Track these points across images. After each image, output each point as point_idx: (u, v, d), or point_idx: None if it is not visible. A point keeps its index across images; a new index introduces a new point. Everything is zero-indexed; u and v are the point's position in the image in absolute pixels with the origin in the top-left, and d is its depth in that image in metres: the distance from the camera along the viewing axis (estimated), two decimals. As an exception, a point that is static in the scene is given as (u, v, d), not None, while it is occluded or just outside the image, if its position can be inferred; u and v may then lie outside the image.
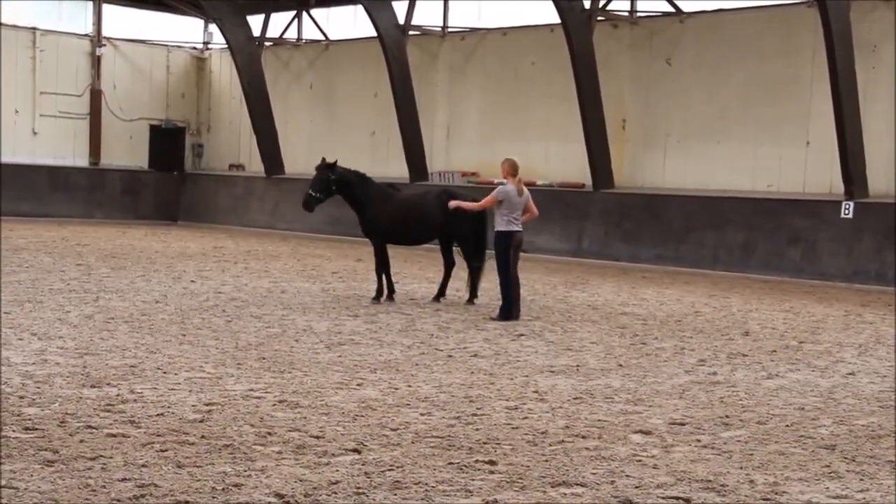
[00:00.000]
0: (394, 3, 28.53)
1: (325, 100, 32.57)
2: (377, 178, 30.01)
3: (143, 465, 6.21)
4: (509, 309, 13.68)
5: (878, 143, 21.58)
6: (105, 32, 33.97)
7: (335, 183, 15.41)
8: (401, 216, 15.51)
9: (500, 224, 13.87)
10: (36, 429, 6.98)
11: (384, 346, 11.18)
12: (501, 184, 14.14)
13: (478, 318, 13.81)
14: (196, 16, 34.80)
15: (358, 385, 9.02)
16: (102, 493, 5.67)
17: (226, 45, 33.07)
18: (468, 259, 15.37)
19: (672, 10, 25.31)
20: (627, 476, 6.44)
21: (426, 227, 15.58)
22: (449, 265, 15.70)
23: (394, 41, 28.23)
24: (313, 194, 15.46)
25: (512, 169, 14.08)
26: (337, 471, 6.28)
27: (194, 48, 36.19)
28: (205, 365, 9.63)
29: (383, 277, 15.37)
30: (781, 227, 22.43)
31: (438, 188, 16.88)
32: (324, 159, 15.66)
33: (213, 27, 34.68)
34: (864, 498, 6.20)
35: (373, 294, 15.36)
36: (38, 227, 27.91)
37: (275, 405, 8.06)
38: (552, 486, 6.17)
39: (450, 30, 29.58)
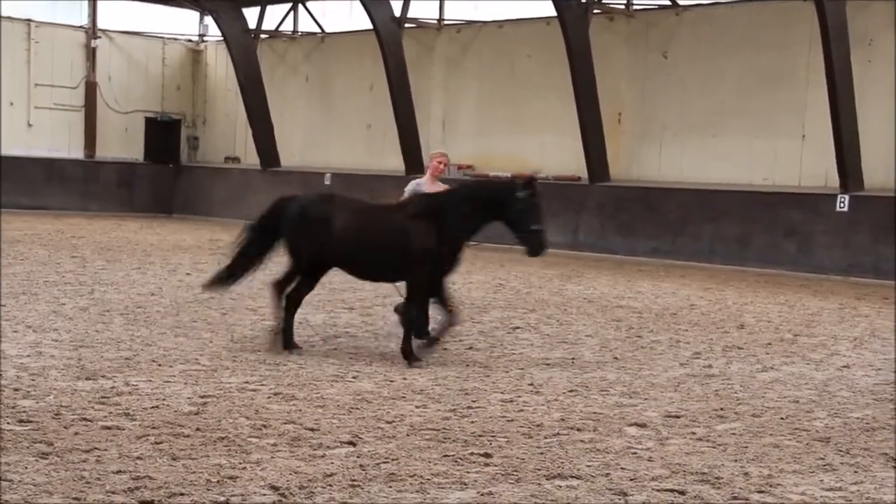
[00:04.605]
0: (389, -4, 28.52)
1: (320, 92, 32.52)
2: (373, 171, 30.18)
3: (138, 458, 6.21)
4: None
5: (874, 137, 21.58)
6: (100, 24, 33.88)
7: None
8: None
9: None
10: (30, 421, 6.97)
11: (379, 339, 11.18)
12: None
13: (473, 311, 13.80)
14: (192, 8, 34.69)
15: (353, 377, 9.02)
16: (97, 485, 5.66)
17: (221, 38, 32.98)
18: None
19: (668, 2, 25.31)
20: (622, 468, 6.45)
21: None
22: None
23: (390, 34, 28.18)
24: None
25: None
26: (332, 463, 6.28)
27: (190, 40, 36.11)
28: (200, 357, 9.63)
29: None
30: (777, 220, 22.43)
31: None
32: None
33: (208, 19, 34.59)
34: (859, 490, 6.21)
35: None
36: (34, 220, 27.86)
37: (270, 398, 8.06)
38: (547, 479, 6.17)
39: (446, 22, 29.54)
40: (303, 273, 10.39)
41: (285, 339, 10.19)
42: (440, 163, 11.43)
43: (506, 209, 9.78)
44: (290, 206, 10.30)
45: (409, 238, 9.80)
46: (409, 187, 11.26)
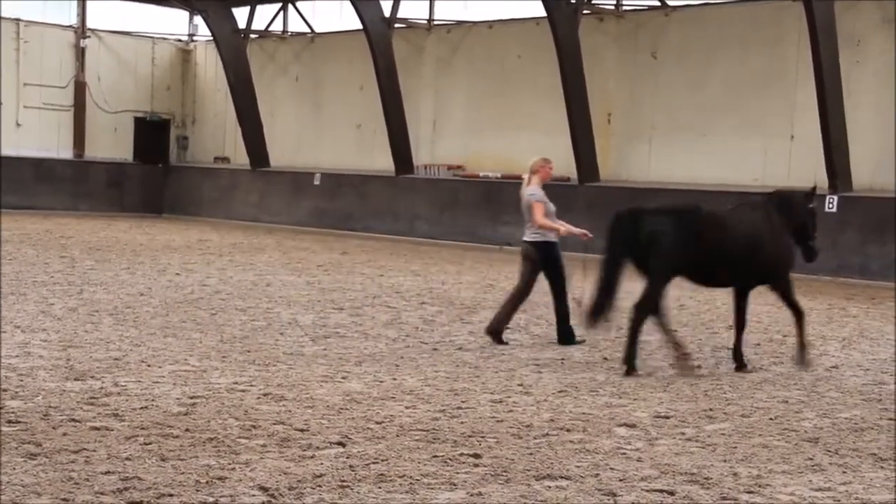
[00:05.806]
0: (379, -4, 28.51)
1: (310, 92, 32.49)
2: (363, 171, 30.17)
3: (127, 459, 6.20)
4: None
5: (862, 137, 21.63)
6: (89, 24, 33.79)
7: None
8: None
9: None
10: (19, 422, 6.96)
11: (369, 340, 11.17)
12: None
13: (462, 312, 13.80)
14: (181, 8, 34.64)
15: (343, 378, 9.02)
16: (86, 486, 5.65)
17: (211, 38, 32.94)
18: None
19: (657, 3, 25.34)
20: (612, 469, 6.46)
21: None
22: None
23: (379, 34, 28.18)
24: None
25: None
26: (321, 464, 6.28)
27: (179, 40, 36.04)
28: (189, 358, 9.61)
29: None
30: (766, 220, 22.45)
31: None
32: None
33: (198, 19, 34.53)
34: (847, 490, 6.23)
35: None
36: (23, 220, 27.77)
37: (259, 398, 8.05)
38: (537, 479, 6.18)
39: (436, 23, 29.53)
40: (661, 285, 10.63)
41: (629, 358, 9.96)
42: (551, 168, 11.96)
43: (801, 218, 11.01)
44: (656, 222, 10.38)
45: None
46: (538, 195, 11.60)
